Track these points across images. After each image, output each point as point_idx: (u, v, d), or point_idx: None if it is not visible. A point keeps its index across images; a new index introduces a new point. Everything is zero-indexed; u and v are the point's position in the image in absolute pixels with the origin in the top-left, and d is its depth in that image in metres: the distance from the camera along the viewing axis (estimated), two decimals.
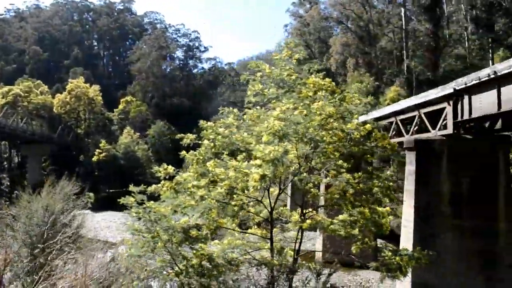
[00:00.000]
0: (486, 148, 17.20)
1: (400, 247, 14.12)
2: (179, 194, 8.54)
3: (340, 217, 9.12)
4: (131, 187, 8.42)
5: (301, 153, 7.97)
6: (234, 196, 8.06)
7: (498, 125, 17.30)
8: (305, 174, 8.02)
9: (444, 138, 17.65)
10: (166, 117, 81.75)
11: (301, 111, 7.95)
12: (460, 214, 16.81)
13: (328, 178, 8.36)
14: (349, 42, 60.25)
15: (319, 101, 8.06)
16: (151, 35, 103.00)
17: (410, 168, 18.04)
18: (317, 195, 8.90)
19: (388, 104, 45.80)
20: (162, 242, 8.02)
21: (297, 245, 9.13)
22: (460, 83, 16.18)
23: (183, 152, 9.77)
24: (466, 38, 58.35)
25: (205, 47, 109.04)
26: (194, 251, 7.95)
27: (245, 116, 9.62)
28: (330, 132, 8.10)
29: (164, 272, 8.21)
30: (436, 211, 17.02)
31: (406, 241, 16.98)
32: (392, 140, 19.49)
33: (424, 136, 18.79)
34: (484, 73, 14.70)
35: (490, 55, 54.06)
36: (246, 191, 8.04)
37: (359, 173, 8.68)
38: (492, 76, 14.15)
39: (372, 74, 56.47)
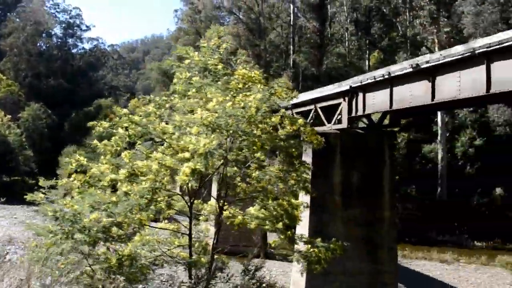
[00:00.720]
0: (375, 142, 18.59)
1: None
2: (94, 188, 7.76)
3: (252, 209, 9.07)
4: (42, 182, 7.41)
5: (228, 147, 7.76)
6: (157, 191, 7.57)
7: (386, 121, 18.93)
8: (235, 168, 7.84)
9: (338, 132, 18.68)
10: (42, 99, 74.95)
11: (238, 102, 7.71)
12: (350, 204, 18.01)
13: (257, 172, 8.26)
14: (239, 33, 60.86)
15: (255, 94, 7.88)
16: (25, 7, 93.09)
17: (307, 159, 18.71)
18: (244, 189, 8.72)
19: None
20: (71, 243, 7.22)
21: (215, 240, 8.92)
22: (356, 81, 17.20)
23: (95, 141, 8.91)
24: (346, 38, 62.73)
25: (87, 26, 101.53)
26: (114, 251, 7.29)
27: (167, 105, 9.05)
28: (260, 125, 7.99)
29: (72, 275, 7.40)
30: (330, 202, 18.03)
31: (301, 230, 17.68)
32: None
33: (320, 129, 19.66)
34: (379, 73, 15.77)
35: (367, 56, 58.83)
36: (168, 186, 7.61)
37: (279, 167, 8.72)
38: (386, 76, 15.25)
39: (260, 66, 57.80)
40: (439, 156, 35.71)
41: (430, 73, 13.76)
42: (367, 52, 58.40)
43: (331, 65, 57.53)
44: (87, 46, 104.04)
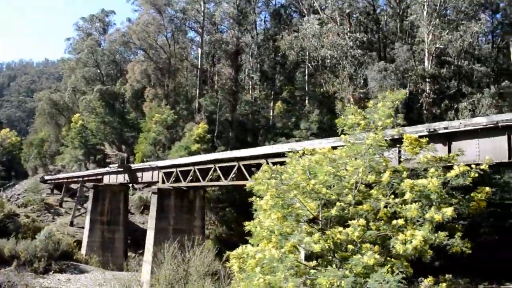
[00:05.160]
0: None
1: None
2: None
3: None
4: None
5: None
6: None
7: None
8: None
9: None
10: None
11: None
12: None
13: None
14: (149, 71, 59.47)
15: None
16: None
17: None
18: None
19: (196, 140, 46.87)
20: None
21: None
22: None
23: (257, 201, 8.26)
24: (250, 86, 65.21)
25: None
26: None
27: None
28: None
29: None
30: None
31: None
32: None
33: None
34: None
35: (272, 105, 61.54)
36: None
37: None
38: (396, 137, 16.52)
39: (171, 107, 56.77)
40: None
41: (447, 138, 15.39)
42: (272, 101, 61.15)
43: (239, 111, 58.90)
44: None
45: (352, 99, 42.47)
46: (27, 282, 31.05)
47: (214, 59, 63.17)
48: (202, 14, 59.80)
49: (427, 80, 41.34)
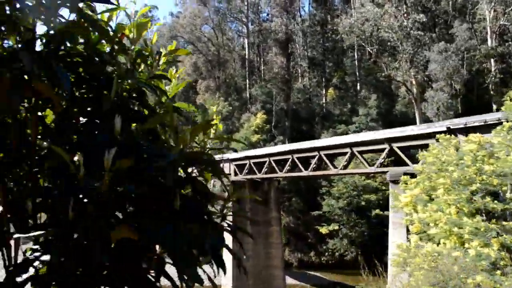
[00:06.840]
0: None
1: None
2: None
3: None
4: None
5: None
6: None
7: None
8: None
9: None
10: None
11: None
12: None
13: None
14: (199, 64, 59.91)
15: None
16: None
17: None
18: None
19: (255, 131, 46.95)
20: None
21: None
22: (456, 123, 17.69)
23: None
24: (299, 75, 64.50)
25: None
26: None
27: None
28: None
29: None
30: None
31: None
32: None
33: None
34: (491, 117, 16.37)
35: (324, 92, 60.65)
36: None
37: None
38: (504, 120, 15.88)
39: (224, 99, 57.06)
40: None
41: None
42: (324, 88, 60.26)
43: (292, 100, 58.45)
44: None
45: (414, 82, 41.40)
46: None
47: (259, 49, 62.90)
48: (246, 3, 59.71)
49: (494, 58, 39.73)
